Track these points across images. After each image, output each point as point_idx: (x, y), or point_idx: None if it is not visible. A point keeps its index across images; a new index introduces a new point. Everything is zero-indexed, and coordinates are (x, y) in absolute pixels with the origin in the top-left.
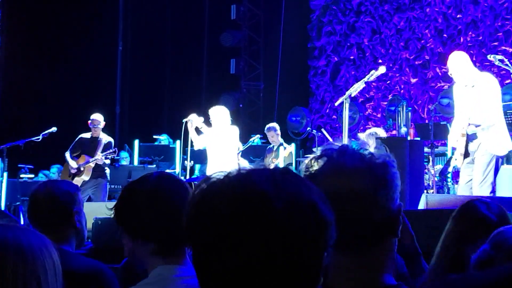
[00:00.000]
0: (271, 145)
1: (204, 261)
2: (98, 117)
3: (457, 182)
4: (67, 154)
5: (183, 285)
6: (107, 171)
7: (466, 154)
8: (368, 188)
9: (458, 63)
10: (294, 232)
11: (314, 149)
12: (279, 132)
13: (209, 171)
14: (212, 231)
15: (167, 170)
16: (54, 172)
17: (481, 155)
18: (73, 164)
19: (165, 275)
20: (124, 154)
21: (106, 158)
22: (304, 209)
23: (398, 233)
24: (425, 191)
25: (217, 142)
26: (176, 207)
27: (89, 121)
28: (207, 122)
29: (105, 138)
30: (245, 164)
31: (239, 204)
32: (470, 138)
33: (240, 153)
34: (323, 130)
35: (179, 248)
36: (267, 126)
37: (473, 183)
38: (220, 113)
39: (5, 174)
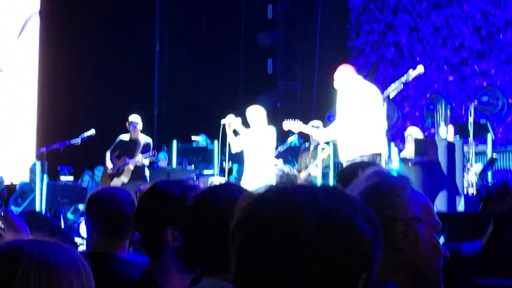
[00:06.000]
0: (307, 144)
1: (240, 275)
2: (136, 118)
3: (498, 182)
4: (107, 154)
5: None
6: (147, 172)
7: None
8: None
9: (336, 76)
10: (322, 247)
11: None
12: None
13: (246, 172)
14: (250, 246)
15: (205, 171)
16: (98, 175)
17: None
18: (109, 165)
19: None
20: (162, 155)
21: (145, 158)
22: (337, 225)
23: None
24: (465, 191)
25: (253, 143)
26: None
27: (127, 123)
28: (245, 122)
29: (144, 139)
30: (281, 165)
31: (275, 219)
32: None
33: (277, 154)
34: None
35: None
36: (311, 123)
37: None
38: (256, 113)
39: (45, 177)
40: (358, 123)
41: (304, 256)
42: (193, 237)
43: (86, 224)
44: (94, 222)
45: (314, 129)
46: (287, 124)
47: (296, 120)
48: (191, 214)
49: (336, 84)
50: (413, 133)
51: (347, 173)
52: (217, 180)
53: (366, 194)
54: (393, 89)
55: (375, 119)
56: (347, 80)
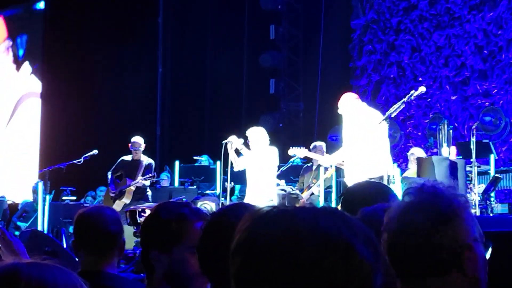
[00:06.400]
0: (309, 164)
1: None
2: (138, 140)
3: (501, 201)
4: (109, 176)
5: None
6: (149, 193)
7: None
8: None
9: (340, 103)
10: (322, 270)
11: None
12: (324, 150)
13: (248, 193)
14: (250, 267)
15: (208, 191)
16: (100, 195)
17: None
18: (111, 187)
19: None
20: (164, 175)
21: (145, 180)
22: (337, 249)
23: (465, 269)
24: None
25: (255, 164)
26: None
27: (130, 144)
28: (247, 143)
29: (145, 160)
30: (283, 185)
31: (275, 241)
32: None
33: (280, 173)
34: None
35: None
36: (314, 144)
37: None
38: (257, 134)
39: (48, 197)
40: (364, 146)
41: (303, 280)
42: (206, 256)
43: (74, 243)
44: (81, 241)
45: (319, 155)
46: (293, 151)
47: (301, 147)
48: (205, 234)
49: (341, 110)
50: (416, 153)
51: (352, 193)
52: (209, 204)
53: (428, 213)
54: (395, 109)
55: (380, 142)
56: (351, 106)
